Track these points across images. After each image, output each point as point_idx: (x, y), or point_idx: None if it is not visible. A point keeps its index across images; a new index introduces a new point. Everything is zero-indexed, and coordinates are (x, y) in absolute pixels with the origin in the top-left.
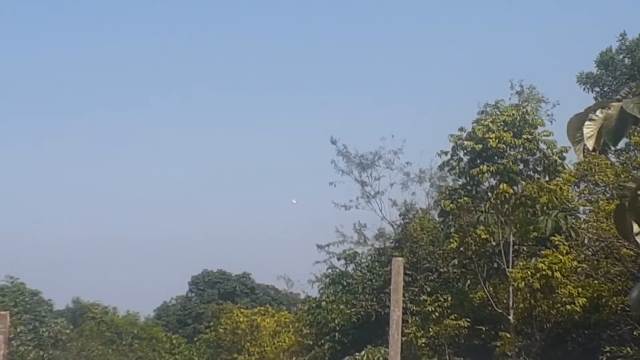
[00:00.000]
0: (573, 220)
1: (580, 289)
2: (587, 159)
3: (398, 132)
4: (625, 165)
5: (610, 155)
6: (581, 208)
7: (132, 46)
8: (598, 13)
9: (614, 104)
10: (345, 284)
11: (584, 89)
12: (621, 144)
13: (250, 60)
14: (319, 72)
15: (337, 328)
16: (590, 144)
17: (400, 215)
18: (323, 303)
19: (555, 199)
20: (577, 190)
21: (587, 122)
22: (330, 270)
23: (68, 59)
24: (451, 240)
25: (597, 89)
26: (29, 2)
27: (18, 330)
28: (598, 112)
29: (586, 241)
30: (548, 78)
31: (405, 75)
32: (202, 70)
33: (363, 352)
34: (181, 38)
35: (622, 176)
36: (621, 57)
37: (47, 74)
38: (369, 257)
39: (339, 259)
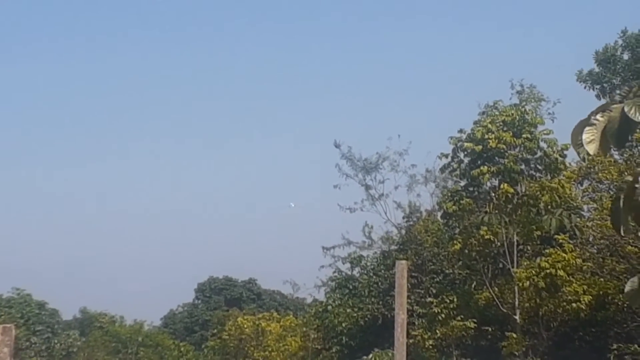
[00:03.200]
0: (577, 219)
1: (585, 287)
2: (590, 157)
3: (405, 133)
4: (628, 162)
5: (613, 152)
6: (585, 206)
7: (133, 52)
8: (599, 10)
9: (615, 106)
10: (351, 287)
11: (585, 87)
12: None
13: (262, 70)
14: (321, 76)
15: (344, 332)
16: (590, 148)
17: (403, 217)
18: (329, 307)
19: (557, 197)
20: (581, 188)
21: (587, 128)
22: (336, 274)
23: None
24: (455, 241)
25: (598, 86)
26: None
27: (32, 341)
28: (599, 116)
29: (591, 239)
30: (550, 76)
31: (411, 76)
32: (208, 78)
33: (370, 355)
34: (183, 43)
35: (626, 173)
36: (619, 52)
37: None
38: (374, 260)
39: (344, 262)
